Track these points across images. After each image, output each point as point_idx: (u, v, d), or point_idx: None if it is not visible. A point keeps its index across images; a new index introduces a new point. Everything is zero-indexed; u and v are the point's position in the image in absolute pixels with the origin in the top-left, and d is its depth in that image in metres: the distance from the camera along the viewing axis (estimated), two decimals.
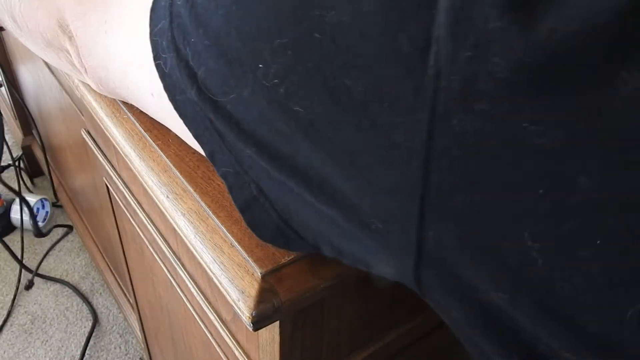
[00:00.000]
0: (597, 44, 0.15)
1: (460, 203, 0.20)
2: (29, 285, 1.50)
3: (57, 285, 1.53)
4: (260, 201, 0.29)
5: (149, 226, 0.63)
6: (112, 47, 0.35)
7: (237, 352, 0.52)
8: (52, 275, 1.55)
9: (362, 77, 0.20)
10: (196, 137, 0.29)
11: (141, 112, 0.47)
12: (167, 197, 0.46)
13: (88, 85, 0.48)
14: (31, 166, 1.80)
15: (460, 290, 0.22)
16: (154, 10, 0.29)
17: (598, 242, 0.18)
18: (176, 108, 0.29)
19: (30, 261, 1.57)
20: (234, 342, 0.52)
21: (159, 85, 0.30)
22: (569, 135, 0.17)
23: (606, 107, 0.16)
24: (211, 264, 0.40)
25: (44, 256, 1.59)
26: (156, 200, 0.48)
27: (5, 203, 1.61)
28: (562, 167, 0.17)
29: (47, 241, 1.66)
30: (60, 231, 1.69)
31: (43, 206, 1.66)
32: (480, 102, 0.18)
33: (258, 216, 0.30)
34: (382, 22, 0.19)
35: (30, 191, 1.78)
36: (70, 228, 1.41)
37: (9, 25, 0.46)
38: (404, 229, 0.22)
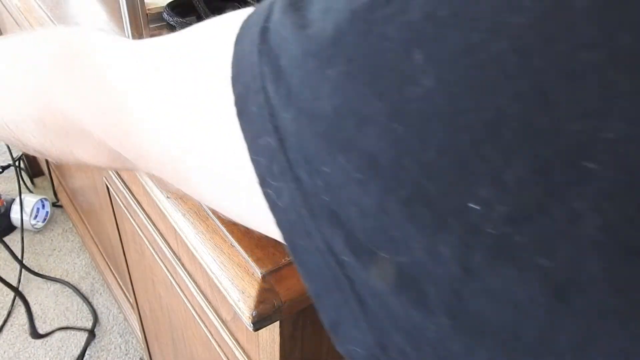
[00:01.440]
0: None
1: None
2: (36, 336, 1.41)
3: (57, 285, 1.53)
4: None
5: (149, 226, 0.63)
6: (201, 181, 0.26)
7: (237, 352, 0.52)
8: (52, 275, 1.55)
9: None
10: (316, 295, 0.21)
11: None
12: (167, 197, 0.46)
13: None
14: (31, 166, 1.80)
15: None
16: (243, 115, 0.21)
17: None
18: (294, 253, 0.21)
19: (30, 261, 1.57)
20: (234, 342, 0.52)
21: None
22: None
23: None
24: (211, 264, 0.40)
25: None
26: (156, 200, 0.48)
27: (5, 203, 1.61)
28: None
29: (47, 241, 1.66)
30: (60, 231, 1.69)
31: (43, 206, 1.66)
32: None
33: None
34: None
35: (30, 191, 1.78)
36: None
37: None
38: None
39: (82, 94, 0.30)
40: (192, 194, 0.28)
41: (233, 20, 0.23)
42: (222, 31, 0.23)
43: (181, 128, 0.24)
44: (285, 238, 0.21)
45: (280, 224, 0.21)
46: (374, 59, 0.16)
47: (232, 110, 0.21)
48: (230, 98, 0.21)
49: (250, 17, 0.22)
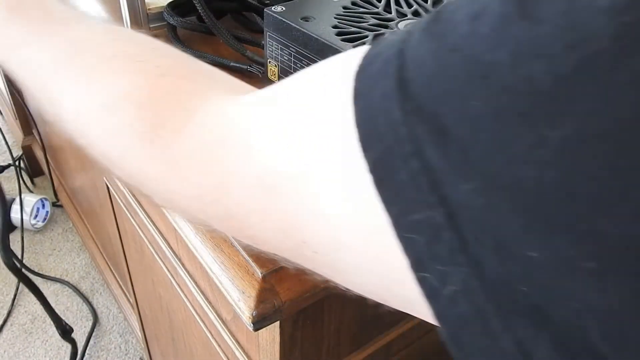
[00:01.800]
0: None
1: None
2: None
3: (57, 285, 1.53)
4: None
5: (149, 226, 0.63)
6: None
7: (237, 352, 0.52)
8: (52, 275, 1.55)
9: None
10: None
11: None
12: None
13: None
14: (31, 166, 1.80)
15: None
16: (386, 184, 0.17)
17: None
18: (460, 352, 0.17)
19: (31, 261, 1.57)
20: (234, 342, 0.52)
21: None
22: None
23: None
24: (211, 263, 0.40)
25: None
26: None
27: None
28: None
29: (47, 241, 1.66)
30: (60, 230, 1.69)
31: (43, 206, 1.66)
32: None
33: None
34: None
35: (30, 191, 1.78)
36: None
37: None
38: None
39: (183, 178, 0.25)
40: (319, 271, 0.23)
41: (340, 71, 0.19)
42: (331, 85, 0.19)
43: (305, 202, 0.20)
44: (448, 333, 0.17)
45: (443, 316, 0.17)
46: (630, 118, 0.12)
47: (367, 179, 0.17)
48: (361, 164, 0.17)
49: (367, 65, 0.18)
